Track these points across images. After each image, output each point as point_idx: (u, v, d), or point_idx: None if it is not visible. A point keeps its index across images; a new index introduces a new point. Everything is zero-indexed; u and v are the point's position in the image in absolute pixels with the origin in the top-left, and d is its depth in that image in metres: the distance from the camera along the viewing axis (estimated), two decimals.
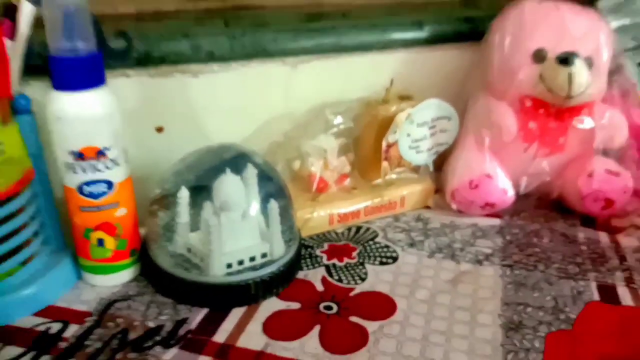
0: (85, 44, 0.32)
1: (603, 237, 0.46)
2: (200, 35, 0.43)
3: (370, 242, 0.44)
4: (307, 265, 0.40)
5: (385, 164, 0.46)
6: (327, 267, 0.40)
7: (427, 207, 0.49)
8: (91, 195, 0.34)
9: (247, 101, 0.47)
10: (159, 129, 0.44)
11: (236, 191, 0.37)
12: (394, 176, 0.48)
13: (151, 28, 0.44)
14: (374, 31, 0.51)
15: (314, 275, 0.39)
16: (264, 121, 0.47)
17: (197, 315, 0.35)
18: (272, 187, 0.39)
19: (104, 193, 0.34)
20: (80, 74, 0.32)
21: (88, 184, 0.34)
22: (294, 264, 0.39)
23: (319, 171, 0.45)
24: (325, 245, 0.43)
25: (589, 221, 0.48)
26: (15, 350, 0.32)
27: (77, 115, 0.32)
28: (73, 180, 0.34)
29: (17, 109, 0.34)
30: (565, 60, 0.44)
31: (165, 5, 0.52)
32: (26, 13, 0.33)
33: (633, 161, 0.48)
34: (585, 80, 0.44)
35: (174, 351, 0.32)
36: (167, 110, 0.44)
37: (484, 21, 0.53)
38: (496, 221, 0.48)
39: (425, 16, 0.54)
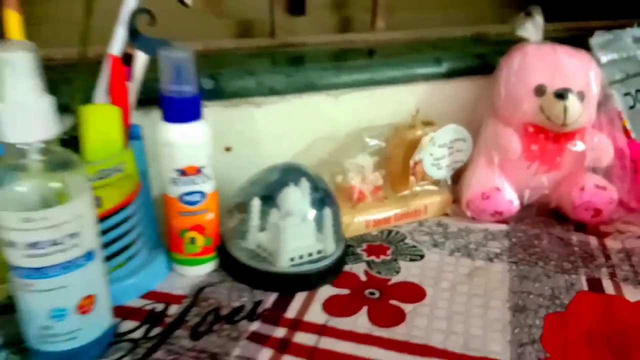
0: (190, 87, 0.41)
1: (592, 240, 0.54)
2: (263, 73, 0.53)
3: (401, 243, 0.52)
4: (351, 261, 0.49)
5: (412, 178, 0.55)
6: (368, 263, 0.49)
7: (446, 215, 0.58)
8: (189, 203, 0.43)
9: (299, 126, 0.56)
10: (228, 149, 0.53)
11: (297, 201, 0.46)
12: (418, 188, 0.57)
13: (221, 65, 0.53)
14: (400, 68, 0.60)
15: (358, 269, 0.48)
16: (311, 142, 0.56)
17: (270, 298, 0.44)
18: (324, 197, 0.48)
19: (198, 201, 0.43)
20: (186, 111, 0.41)
21: (187, 194, 0.43)
22: (342, 259, 0.48)
23: (357, 184, 0.54)
24: (364, 245, 0.52)
25: (580, 227, 0.56)
26: (132, 324, 0.41)
27: (183, 142, 0.41)
28: (175, 191, 0.43)
29: (132, 135, 0.43)
30: (561, 95, 0.53)
31: (225, 44, 0.62)
32: (141, 61, 0.42)
33: (617, 177, 0.57)
34: (577, 112, 0.53)
35: (257, 324, 0.40)
36: (235, 134, 0.53)
37: (492, 57, 0.62)
38: (504, 226, 0.56)
39: (443, 53, 0.63)
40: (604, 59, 0.67)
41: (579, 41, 0.65)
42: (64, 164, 0.33)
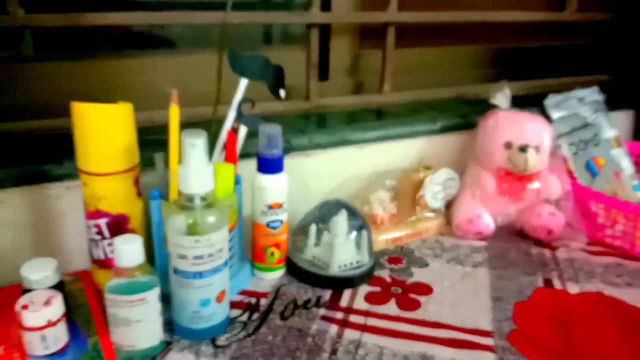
0: (278, 151, 0.59)
1: (547, 252, 0.74)
2: (312, 132, 0.72)
3: (411, 255, 0.71)
4: (378, 268, 0.68)
5: (418, 208, 0.75)
6: (390, 269, 0.68)
7: (442, 234, 0.77)
8: (273, 227, 0.61)
9: (335, 170, 0.75)
10: None
11: (342, 225, 0.65)
12: (422, 215, 0.76)
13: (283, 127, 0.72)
14: (406, 126, 0.80)
15: (384, 273, 0.67)
16: (343, 182, 0.75)
17: (327, 293, 0.62)
18: (361, 223, 0.66)
19: (278, 227, 0.62)
20: (275, 167, 0.60)
21: (272, 222, 0.61)
22: (373, 267, 0.67)
23: (379, 213, 0.73)
24: (386, 257, 0.71)
25: (538, 243, 0.76)
26: (238, 312, 0.58)
27: (272, 186, 0.60)
28: (264, 220, 0.61)
29: (236, 182, 0.61)
30: (523, 149, 0.73)
31: (276, 107, 0.80)
32: (242, 133, 0.61)
33: (565, 207, 0.77)
34: (535, 161, 0.73)
35: (322, 310, 0.59)
36: (291, 177, 0.71)
37: (473, 116, 0.82)
38: (483, 243, 0.76)
39: (437, 114, 0.83)
40: (555, 115, 0.88)
41: (537, 98, 0.86)
42: (213, 204, 0.51)
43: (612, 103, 1.00)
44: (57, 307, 0.47)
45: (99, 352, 0.49)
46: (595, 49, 1.14)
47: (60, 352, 0.48)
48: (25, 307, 0.46)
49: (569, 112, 0.89)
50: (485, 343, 0.55)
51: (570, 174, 0.81)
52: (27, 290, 0.50)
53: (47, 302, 0.47)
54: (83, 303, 0.56)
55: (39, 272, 0.50)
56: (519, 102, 0.81)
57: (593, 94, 0.93)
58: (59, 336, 0.48)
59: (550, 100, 0.88)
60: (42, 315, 0.46)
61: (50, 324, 0.47)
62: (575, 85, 0.92)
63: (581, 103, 0.91)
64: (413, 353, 0.52)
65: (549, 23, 1.06)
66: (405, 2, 0.87)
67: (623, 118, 1.06)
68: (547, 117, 0.85)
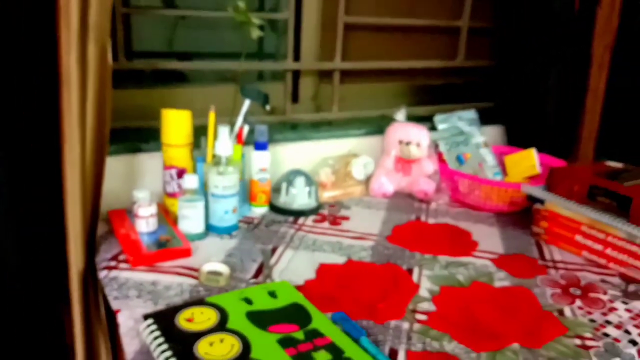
0: (265, 138, 1.07)
1: (423, 205, 1.21)
2: (286, 132, 1.20)
3: (342, 204, 1.19)
4: (322, 209, 1.15)
5: (347, 179, 1.22)
6: (328, 209, 1.15)
7: (362, 195, 1.25)
8: (262, 181, 1.09)
9: (300, 155, 1.23)
10: None
11: (301, 183, 1.12)
12: (350, 183, 1.24)
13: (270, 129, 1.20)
14: (344, 131, 1.28)
15: (324, 211, 1.14)
16: (306, 162, 1.23)
17: (290, 219, 1.09)
18: (312, 182, 1.14)
19: (265, 181, 1.09)
20: (263, 146, 1.07)
21: (262, 178, 1.08)
22: (318, 207, 1.13)
23: (325, 180, 1.20)
24: (327, 205, 1.18)
25: (420, 201, 1.24)
26: (242, 224, 1.05)
27: (262, 158, 1.07)
28: (257, 177, 1.08)
29: (242, 156, 1.08)
30: (408, 144, 1.21)
31: (265, 118, 1.28)
32: (246, 104, 1.08)
33: (435, 179, 1.25)
34: (415, 152, 1.21)
35: (286, 226, 1.06)
36: (273, 157, 1.18)
37: (386, 126, 1.30)
38: (386, 200, 1.23)
39: (365, 125, 1.32)
40: (440, 127, 1.37)
41: (430, 117, 1.35)
42: (231, 162, 0.98)
43: (491, 121, 1.50)
44: (153, 208, 0.94)
45: (174, 233, 0.96)
46: (482, 85, 1.64)
47: (154, 232, 0.95)
48: (138, 206, 0.93)
49: (450, 125, 1.38)
50: (372, 239, 1.02)
51: (442, 161, 1.30)
52: (135, 203, 0.97)
53: (148, 206, 0.94)
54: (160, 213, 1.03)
55: (143, 193, 0.97)
56: (424, 119, 1.31)
57: (470, 114, 1.42)
58: (153, 222, 0.95)
59: (437, 117, 1.38)
60: (146, 211, 0.93)
61: (150, 215, 0.94)
62: (466, 108, 1.41)
63: (460, 119, 1.40)
64: (331, 241, 1.00)
65: (447, 68, 1.56)
66: (347, 51, 1.36)
67: (498, 131, 1.56)
68: (434, 127, 1.35)
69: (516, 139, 1.51)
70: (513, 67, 1.47)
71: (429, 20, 1.48)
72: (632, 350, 0.74)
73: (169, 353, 0.61)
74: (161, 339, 0.63)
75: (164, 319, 0.67)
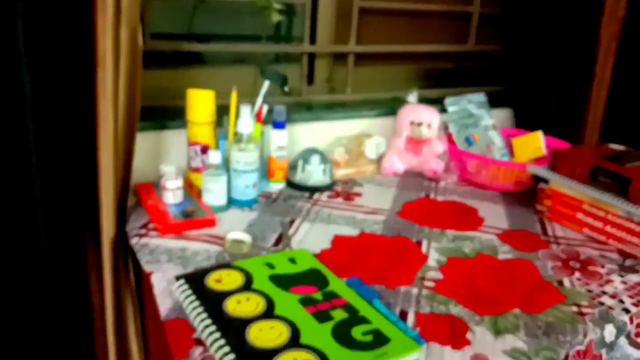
0: (283, 118, 1.12)
1: (432, 184, 1.27)
2: (302, 113, 1.25)
3: (355, 181, 1.24)
4: (336, 186, 1.21)
5: (361, 159, 1.28)
6: (341, 186, 1.21)
7: (375, 174, 1.30)
8: (280, 158, 1.14)
9: (316, 134, 1.28)
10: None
11: (317, 161, 1.17)
12: (363, 162, 1.29)
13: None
14: (357, 112, 1.33)
15: (338, 188, 1.19)
16: (320, 141, 1.28)
17: (306, 194, 1.15)
18: (327, 160, 1.19)
19: (283, 158, 1.14)
20: (281, 125, 1.12)
21: (280, 156, 1.14)
22: (333, 184, 1.19)
23: (339, 158, 1.25)
24: (341, 182, 1.23)
25: (429, 179, 1.29)
26: (262, 199, 1.11)
27: (280, 136, 1.12)
28: (275, 154, 1.13)
29: (262, 134, 1.14)
30: (419, 125, 1.26)
31: (283, 99, 1.33)
32: (265, 85, 1.13)
33: (444, 159, 1.30)
34: (426, 133, 1.26)
35: (303, 200, 1.12)
36: (291, 135, 1.23)
37: (398, 107, 1.35)
38: (397, 178, 1.28)
39: (378, 106, 1.37)
40: (451, 109, 1.41)
41: (441, 100, 1.39)
42: (252, 139, 1.04)
43: (500, 104, 1.54)
44: (179, 181, 1.00)
45: (198, 205, 1.02)
46: (492, 69, 1.67)
47: (180, 203, 1.01)
48: (166, 180, 0.99)
49: (459, 107, 1.43)
50: (383, 213, 1.07)
51: (452, 142, 1.34)
52: (163, 177, 1.03)
53: (175, 180, 1.00)
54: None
55: (169, 167, 1.03)
56: (434, 102, 1.35)
57: (479, 97, 1.46)
58: (179, 195, 1.01)
59: (447, 100, 1.42)
60: (173, 184, 0.99)
61: (177, 188, 1.00)
62: (476, 91, 1.46)
63: (469, 102, 1.44)
64: (345, 215, 1.05)
65: (458, 52, 1.60)
66: (361, 35, 1.40)
67: (507, 114, 1.60)
68: (445, 109, 1.39)
69: (524, 122, 1.55)
70: (522, 52, 1.50)
71: (440, 6, 1.52)
72: (625, 318, 0.80)
73: (200, 309, 0.67)
74: (193, 297, 0.70)
75: (195, 280, 0.74)
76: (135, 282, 1.00)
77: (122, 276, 1.00)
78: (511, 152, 1.40)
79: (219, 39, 1.35)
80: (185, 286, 0.72)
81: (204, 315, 0.66)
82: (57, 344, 1.03)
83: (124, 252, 0.98)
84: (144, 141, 1.10)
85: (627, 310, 0.81)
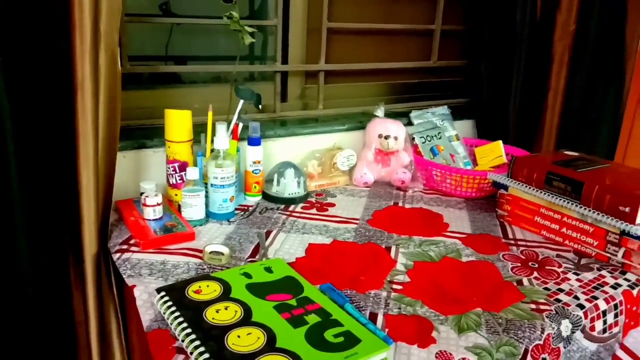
0: (257, 135, 1.15)
1: (400, 193, 1.30)
2: (276, 129, 1.28)
3: (328, 192, 1.27)
4: (310, 197, 1.23)
5: (333, 170, 1.30)
6: (315, 197, 1.23)
7: (346, 185, 1.33)
8: (255, 172, 1.16)
9: (290, 149, 1.30)
10: None
11: (291, 174, 1.20)
12: (335, 174, 1.32)
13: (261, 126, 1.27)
14: (329, 127, 1.36)
15: (312, 199, 1.22)
16: (294, 155, 1.31)
17: (282, 206, 1.17)
18: (301, 174, 1.22)
19: (258, 172, 1.16)
20: (256, 142, 1.15)
21: (255, 170, 1.16)
22: (307, 195, 1.21)
23: (312, 171, 1.28)
24: (314, 193, 1.26)
25: (398, 189, 1.33)
26: (238, 212, 1.13)
27: (255, 152, 1.15)
28: (251, 169, 1.15)
29: (237, 150, 1.16)
30: (386, 138, 1.30)
31: (257, 116, 1.36)
32: (240, 104, 1.16)
33: (410, 170, 1.34)
34: (393, 145, 1.30)
35: (278, 212, 1.14)
36: (267, 150, 1.26)
37: (367, 122, 1.38)
38: (368, 189, 1.32)
39: (348, 121, 1.40)
40: (416, 121, 1.45)
41: (407, 113, 1.43)
42: (228, 155, 1.06)
43: (463, 116, 1.59)
44: (159, 198, 1.01)
45: (178, 219, 1.03)
46: (456, 83, 1.72)
47: (160, 219, 1.02)
48: (146, 196, 1.00)
49: (424, 120, 1.47)
50: (354, 222, 1.10)
51: (418, 153, 1.38)
52: (143, 193, 1.04)
53: (155, 196, 1.01)
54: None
55: (149, 184, 1.04)
56: (401, 115, 1.40)
57: (443, 110, 1.51)
58: (159, 210, 1.02)
59: (413, 113, 1.46)
60: (153, 200, 1.00)
61: (157, 204, 1.01)
62: (441, 105, 1.50)
63: (433, 115, 1.49)
64: (319, 225, 1.08)
65: (423, 67, 1.64)
66: (331, 53, 1.44)
67: (469, 125, 1.65)
68: (411, 122, 1.43)
69: (486, 132, 1.60)
70: (483, 66, 1.55)
71: (405, 25, 1.57)
72: (580, 313, 0.84)
73: (181, 319, 0.69)
74: (173, 308, 0.71)
75: (175, 292, 0.75)
76: (117, 296, 1.01)
77: (105, 291, 1.00)
78: (474, 161, 1.45)
79: (194, 59, 1.37)
80: (166, 298, 0.74)
81: (185, 324, 0.68)
82: (41, 358, 1.03)
83: (107, 267, 0.99)
84: (123, 159, 1.11)
85: (581, 306, 0.85)
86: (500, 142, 1.41)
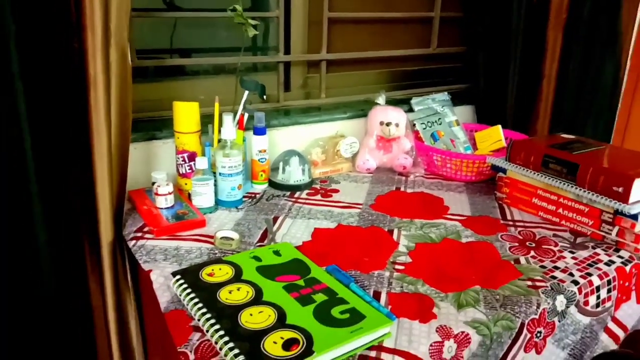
0: (262, 124, 1.18)
1: (402, 178, 1.33)
2: (280, 118, 1.31)
3: (332, 179, 1.30)
4: (315, 184, 1.27)
5: (336, 157, 1.34)
6: (319, 184, 1.27)
7: (349, 172, 1.37)
8: (261, 161, 1.19)
9: (294, 137, 1.34)
10: None
11: (296, 162, 1.23)
12: (338, 161, 1.35)
13: (266, 115, 1.30)
14: (331, 115, 1.39)
15: (316, 186, 1.26)
16: (298, 143, 1.34)
17: (287, 193, 1.21)
18: (305, 161, 1.25)
19: (264, 161, 1.20)
20: (261, 131, 1.18)
21: (261, 159, 1.19)
22: (311, 182, 1.25)
23: (316, 158, 1.32)
24: (319, 180, 1.30)
25: (400, 174, 1.36)
26: (246, 199, 1.17)
27: (260, 141, 1.18)
28: (257, 157, 1.19)
29: (244, 140, 1.19)
30: (388, 124, 1.33)
31: (262, 106, 1.39)
32: (245, 95, 1.19)
33: (412, 155, 1.37)
34: (395, 131, 1.33)
35: (285, 199, 1.18)
36: (272, 140, 1.29)
37: (369, 109, 1.42)
38: (370, 175, 1.35)
39: (350, 109, 1.43)
40: (416, 108, 1.48)
41: (407, 100, 1.46)
42: (235, 145, 1.09)
43: (463, 101, 1.62)
44: (170, 187, 1.05)
45: (189, 207, 1.07)
46: (456, 69, 1.75)
47: (172, 207, 1.06)
48: (158, 186, 1.04)
49: (424, 107, 1.50)
50: (358, 207, 1.14)
51: (419, 139, 1.41)
52: (154, 183, 1.08)
53: (166, 185, 1.05)
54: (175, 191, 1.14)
55: (161, 174, 1.08)
56: (402, 102, 1.42)
57: (443, 96, 1.53)
58: (171, 199, 1.06)
59: (413, 100, 1.49)
60: (165, 189, 1.04)
61: (168, 193, 1.05)
62: (441, 91, 1.53)
63: (433, 101, 1.51)
64: (324, 210, 1.12)
65: (423, 54, 1.67)
66: (332, 43, 1.46)
67: (469, 110, 1.68)
68: (412, 109, 1.46)
69: (485, 118, 1.62)
70: (481, 53, 1.58)
71: (404, 13, 1.59)
72: (574, 289, 0.88)
73: (196, 300, 0.73)
74: (189, 290, 0.75)
75: (190, 275, 0.79)
76: (132, 280, 1.05)
77: (120, 276, 1.05)
78: (474, 145, 1.48)
79: (198, 51, 1.40)
80: (182, 280, 0.78)
81: (200, 304, 0.72)
82: (59, 342, 1.07)
83: (122, 254, 1.03)
84: (134, 151, 1.15)
85: (576, 282, 0.89)
86: (499, 126, 1.44)
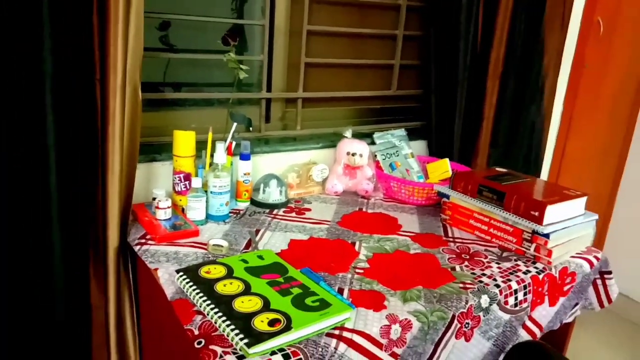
0: (248, 151, 1.36)
1: (364, 200, 1.53)
2: (262, 146, 1.50)
3: (305, 199, 1.49)
4: (290, 203, 1.45)
5: (309, 181, 1.53)
6: (293, 203, 1.45)
7: (320, 194, 1.56)
8: (245, 182, 1.38)
9: (273, 163, 1.53)
10: None
11: (275, 184, 1.42)
12: (310, 184, 1.54)
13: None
14: (306, 145, 1.59)
15: (292, 205, 1.44)
16: (276, 168, 1.53)
17: (267, 210, 1.39)
18: (283, 184, 1.44)
19: (248, 182, 1.38)
20: (246, 157, 1.36)
21: (245, 180, 1.37)
22: (287, 202, 1.43)
23: (292, 181, 1.50)
24: (294, 200, 1.48)
25: (362, 197, 1.56)
26: (232, 215, 1.34)
27: (245, 165, 1.36)
28: (242, 179, 1.37)
29: (231, 164, 1.37)
30: (353, 154, 1.53)
31: (246, 135, 1.58)
32: (234, 126, 1.37)
33: (372, 181, 1.58)
34: (359, 161, 1.53)
35: (265, 215, 1.36)
36: (255, 165, 1.47)
37: (338, 140, 1.62)
38: (337, 197, 1.55)
39: (322, 140, 1.64)
40: (378, 141, 1.70)
41: (370, 134, 1.67)
42: (224, 168, 1.27)
43: (418, 137, 1.84)
44: (169, 202, 1.22)
45: (184, 219, 1.23)
46: (413, 108, 1.98)
47: (169, 219, 1.22)
48: (159, 201, 1.21)
49: (385, 140, 1.71)
50: (327, 223, 1.33)
51: (379, 168, 1.62)
52: (155, 198, 1.24)
53: (166, 200, 1.21)
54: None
55: (161, 191, 1.25)
56: (365, 136, 1.64)
57: (400, 132, 1.75)
58: (169, 212, 1.23)
59: (375, 134, 1.70)
60: (164, 204, 1.21)
61: (167, 207, 1.22)
62: (399, 127, 1.75)
63: (392, 136, 1.73)
64: (298, 225, 1.30)
65: (385, 95, 1.90)
66: (308, 83, 1.67)
67: (423, 144, 1.90)
68: (374, 142, 1.68)
69: (436, 151, 1.85)
70: (434, 96, 1.81)
71: (370, 60, 1.82)
72: (496, 290, 1.08)
73: (198, 290, 0.90)
74: (191, 283, 0.92)
75: (190, 272, 0.96)
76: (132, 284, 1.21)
77: (122, 278, 1.20)
78: (426, 175, 1.70)
79: (189, 85, 1.58)
80: (185, 276, 0.95)
81: (202, 294, 0.89)
82: (57, 339, 1.19)
83: (125, 259, 1.18)
84: (137, 171, 1.32)
85: (498, 286, 1.10)
86: (447, 159, 1.67)
